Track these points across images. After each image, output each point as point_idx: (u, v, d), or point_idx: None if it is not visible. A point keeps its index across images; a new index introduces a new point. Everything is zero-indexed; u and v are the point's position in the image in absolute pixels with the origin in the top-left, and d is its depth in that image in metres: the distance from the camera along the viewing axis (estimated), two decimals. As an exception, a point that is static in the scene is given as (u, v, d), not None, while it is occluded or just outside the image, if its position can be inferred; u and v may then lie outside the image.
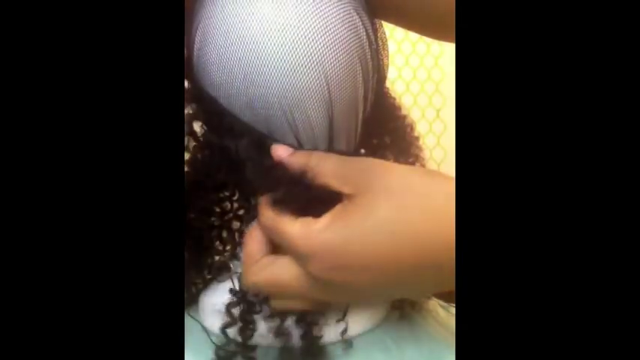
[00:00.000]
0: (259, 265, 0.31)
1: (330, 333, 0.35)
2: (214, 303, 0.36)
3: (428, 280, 0.29)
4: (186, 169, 0.37)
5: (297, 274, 0.30)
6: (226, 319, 0.34)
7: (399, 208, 0.28)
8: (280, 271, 0.31)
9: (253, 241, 0.32)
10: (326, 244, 0.28)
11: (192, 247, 0.38)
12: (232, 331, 0.35)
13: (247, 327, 0.34)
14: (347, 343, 0.35)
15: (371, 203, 0.28)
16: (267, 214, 0.31)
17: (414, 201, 0.28)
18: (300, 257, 0.29)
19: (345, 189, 0.29)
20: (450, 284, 0.27)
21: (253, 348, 0.34)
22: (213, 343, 0.35)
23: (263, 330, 0.34)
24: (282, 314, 0.34)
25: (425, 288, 0.32)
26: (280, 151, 0.33)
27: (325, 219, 0.29)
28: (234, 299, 0.35)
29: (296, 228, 0.29)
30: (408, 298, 0.34)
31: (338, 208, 0.29)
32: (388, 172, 0.30)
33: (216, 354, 0.34)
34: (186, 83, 0.36)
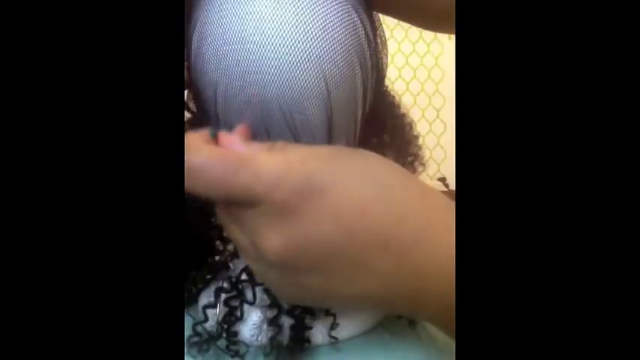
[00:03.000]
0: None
1: (320, 332, 0.35)
2: (210, 300, 0.37)
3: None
4: None
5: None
6: (211, 300, 0.35)
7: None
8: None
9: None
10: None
11: (192, 247, 0.38)
12: (215, 315, 0.35)
13: (232, 313, 0.35)
14: (336, 343, 0.35)
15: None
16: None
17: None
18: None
19: None
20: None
21: (235, 334, 0.35)
22: (191, 316, 0.36)
23: (253, 319, 0.34)
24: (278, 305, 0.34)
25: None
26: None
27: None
28: (226, 286, 0.35)
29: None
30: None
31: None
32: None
33: (193, 329, 0.35)
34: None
